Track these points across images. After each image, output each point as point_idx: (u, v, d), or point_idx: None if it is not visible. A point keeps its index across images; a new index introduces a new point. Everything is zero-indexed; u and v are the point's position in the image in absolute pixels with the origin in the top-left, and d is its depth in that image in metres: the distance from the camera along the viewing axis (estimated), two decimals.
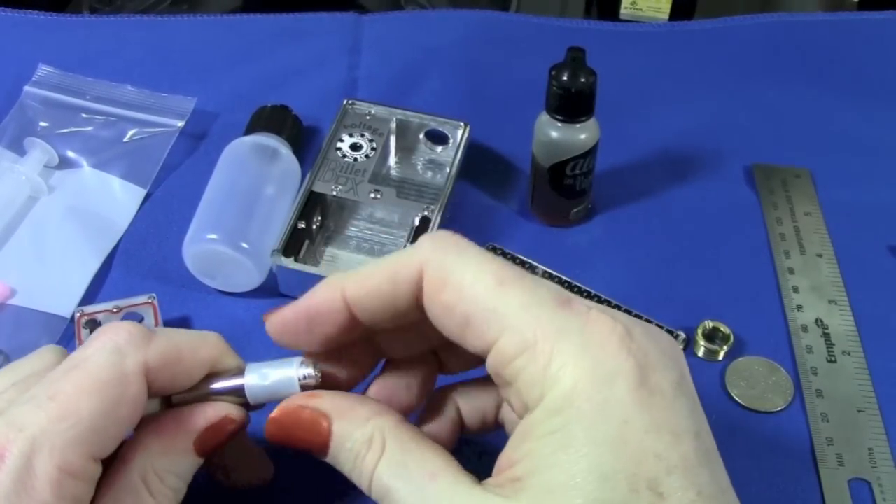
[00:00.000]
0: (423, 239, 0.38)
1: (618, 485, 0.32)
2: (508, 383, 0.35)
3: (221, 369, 0.39)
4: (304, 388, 0.37)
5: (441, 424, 0.40)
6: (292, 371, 0.38)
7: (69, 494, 0.33)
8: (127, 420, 0.36)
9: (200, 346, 0.39)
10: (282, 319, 0.39)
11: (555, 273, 0.52)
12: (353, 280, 0.38)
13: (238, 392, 0.38)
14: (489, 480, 0.35)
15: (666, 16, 0.86)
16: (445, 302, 0.36)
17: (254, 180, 0.55)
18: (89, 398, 0.35)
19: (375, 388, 0.40)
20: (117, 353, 0.36)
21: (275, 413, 0.38)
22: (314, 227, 0.53)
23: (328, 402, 0.37)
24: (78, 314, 0.49)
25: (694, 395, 0.35)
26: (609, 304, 0.50)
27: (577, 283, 0.52)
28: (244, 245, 0.50)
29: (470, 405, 0.41)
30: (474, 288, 0.35)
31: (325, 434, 0.37)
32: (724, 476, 0.35)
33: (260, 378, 0.38)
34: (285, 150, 0.56)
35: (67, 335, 0.49)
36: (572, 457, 0.33)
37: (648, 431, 0.33)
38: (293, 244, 0.52)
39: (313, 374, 0.37)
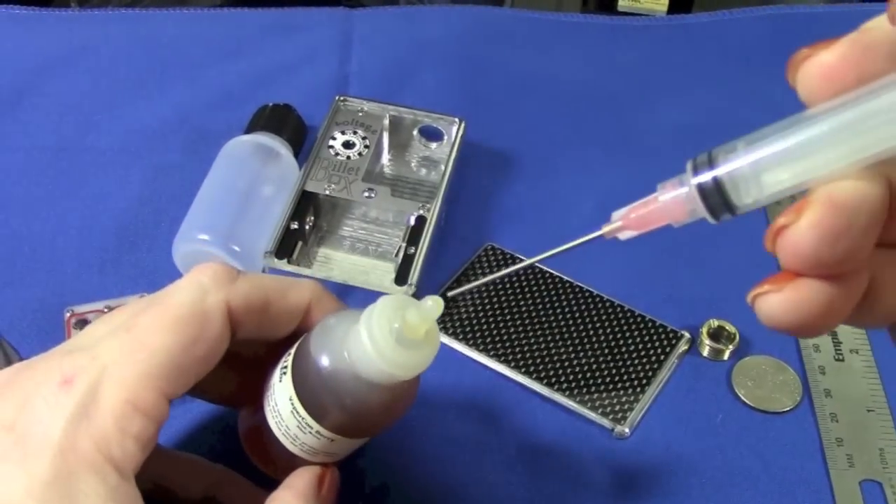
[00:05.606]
0: None
1: None
2: None
3: (320, 313, 0.38)
4: None
5: None
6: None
7: (133, 431, 0.32)
8: (204, 360, 0.35)
9: (290, 291, 0.38)
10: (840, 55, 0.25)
11: (548, 270, 0.52)
12: None
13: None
14: None
15: (664, 9, 0.88)
16: None
17: (251, 181, 0.55)
18: (165, 333, 0.34)
19: None
20: (199, 290, 0.35)
21: None
22: (307, 227, 0.53)
23: None
24: (68, 314, 0.48)
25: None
26: (608, 304, 0.50)
27: (571, 281, 0.51)
28: (235, 248, 0.50)
29: None
30: None
31: None
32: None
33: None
34: (285, 152, 0.56)
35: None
36: None
37: None
38: (286, 245, 0.52)
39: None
